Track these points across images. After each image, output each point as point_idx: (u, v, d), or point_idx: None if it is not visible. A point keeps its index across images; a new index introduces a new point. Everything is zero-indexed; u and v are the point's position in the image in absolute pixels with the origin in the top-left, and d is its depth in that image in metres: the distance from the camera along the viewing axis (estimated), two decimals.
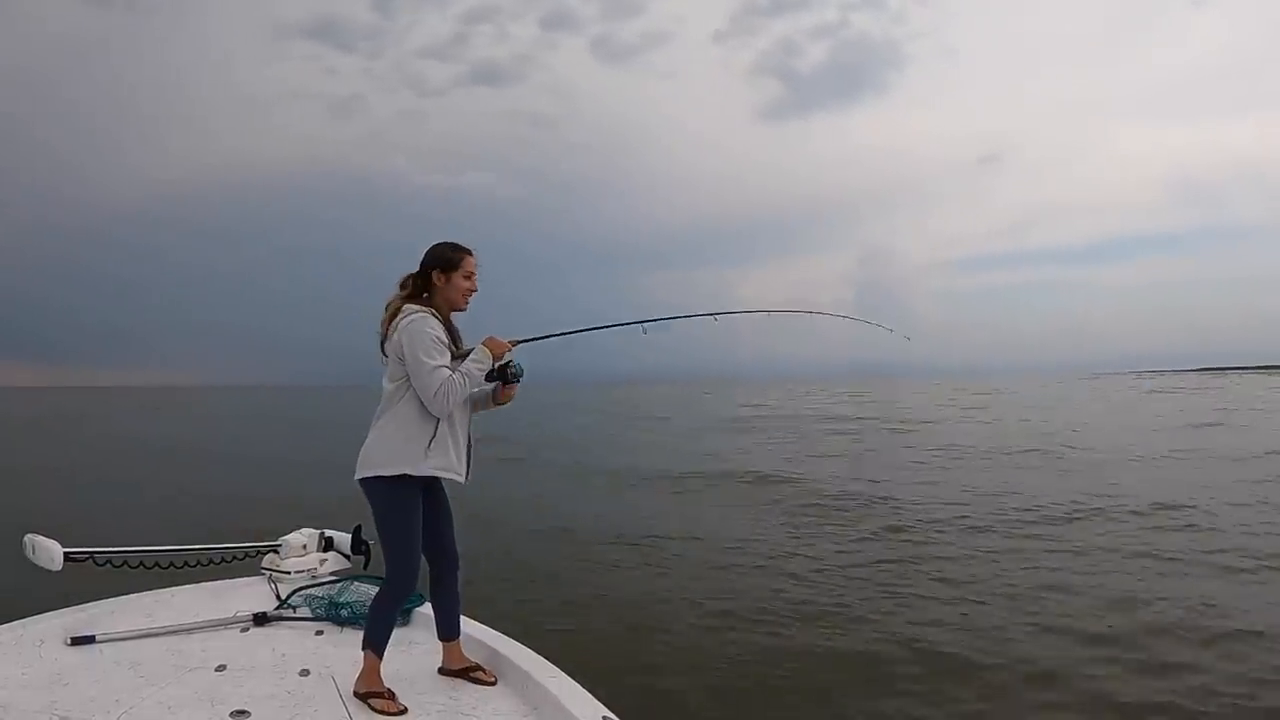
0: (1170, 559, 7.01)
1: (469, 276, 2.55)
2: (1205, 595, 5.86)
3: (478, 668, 2.63)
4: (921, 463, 14.44)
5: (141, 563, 3.29)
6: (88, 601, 2.98)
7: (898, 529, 8.80)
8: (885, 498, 10.59)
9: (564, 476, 13.88)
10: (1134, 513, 9.06)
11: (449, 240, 2.58)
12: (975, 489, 11.03)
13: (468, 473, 2.56)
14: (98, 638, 2.74)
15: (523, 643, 2.74)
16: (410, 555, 2.47)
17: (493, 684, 2.57)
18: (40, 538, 2.99)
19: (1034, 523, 8.79)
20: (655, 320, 3.05)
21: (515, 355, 2.58)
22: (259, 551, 3.68)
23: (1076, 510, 9.33)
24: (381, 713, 2.31)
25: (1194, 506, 9.24)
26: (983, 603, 5.88)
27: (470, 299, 2.58)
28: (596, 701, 2.27)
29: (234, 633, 2.98)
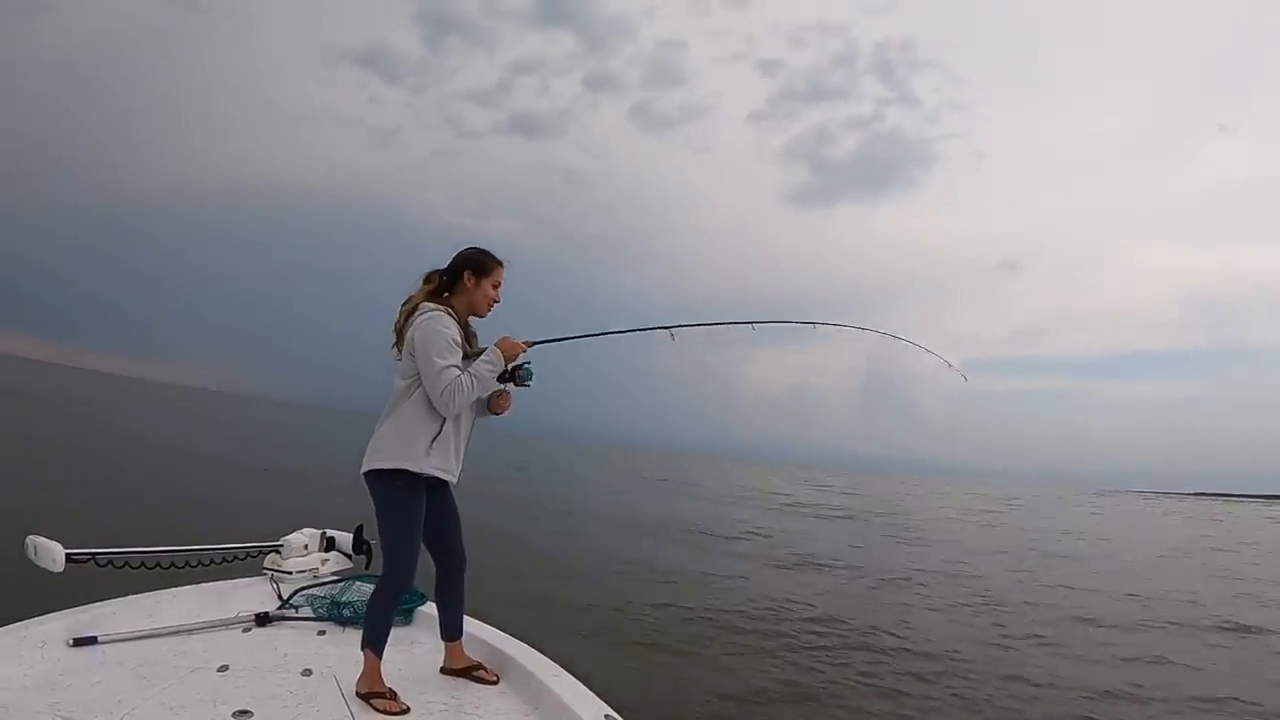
0: None
1: (496, 286, 2.58)
2: None
3: (480, 667, 2.64)
4: None
5: (143, 563, 3.28)
6: (90, 602, 2.97)
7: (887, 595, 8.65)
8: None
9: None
10: None
11: (483, 247, 2.60)
12: None
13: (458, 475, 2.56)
14: (100, 638, 2.73)
15: (525, 642, 2.74)
16: (407, 554, 2.46)
17: (495, 683, 2.58)
18: (42, 539, 2.99)
19: None
20: (684, 326, 2.98)
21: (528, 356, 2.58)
22: (261, 552, 3.67)
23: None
24: (384, 712, 2.31)
25: None
26: None
27: (492, 309, 2.60)
28: (599, 700, 2.27)
29: (236, 633, 2.98)
